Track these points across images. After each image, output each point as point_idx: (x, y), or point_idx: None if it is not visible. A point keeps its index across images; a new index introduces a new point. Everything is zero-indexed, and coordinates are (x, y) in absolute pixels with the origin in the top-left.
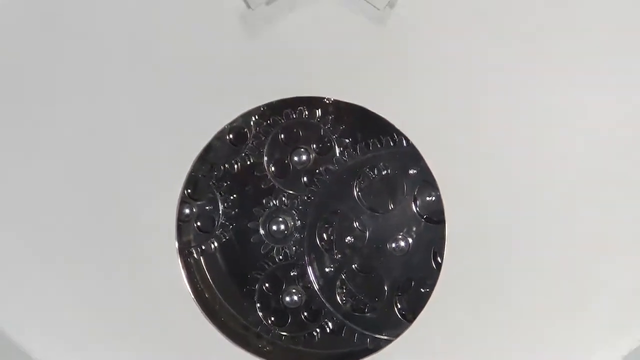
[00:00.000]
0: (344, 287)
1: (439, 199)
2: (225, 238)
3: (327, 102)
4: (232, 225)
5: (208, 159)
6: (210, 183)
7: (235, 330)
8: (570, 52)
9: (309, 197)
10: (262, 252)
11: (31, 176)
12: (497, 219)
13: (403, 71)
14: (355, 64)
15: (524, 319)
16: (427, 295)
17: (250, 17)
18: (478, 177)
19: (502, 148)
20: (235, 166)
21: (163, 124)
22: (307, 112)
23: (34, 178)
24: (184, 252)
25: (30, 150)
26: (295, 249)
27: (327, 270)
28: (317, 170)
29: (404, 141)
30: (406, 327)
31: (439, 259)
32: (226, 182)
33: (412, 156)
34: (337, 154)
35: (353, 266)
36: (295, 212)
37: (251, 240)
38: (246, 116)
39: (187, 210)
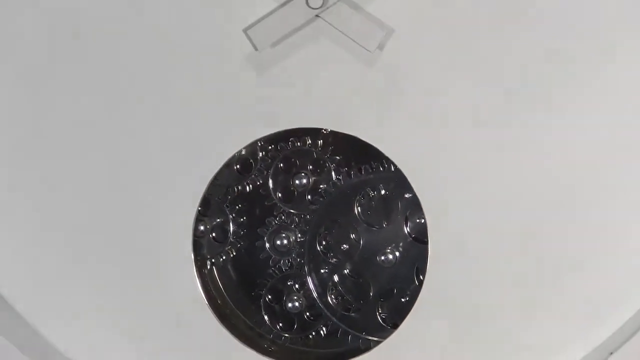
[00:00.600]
0: (335, 288)
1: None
2: (233, 254)
3: (325, 132)
4: (240, 243)
5: (220, 182)
6: (224, 206)
7: (243, 331)
8: (549, 91)
9: (309, 215)
10: (268, 263)
11: (68, 195)
12: (477, 243)
13: (391, 105)
14: (348, 98)
15: (498, 338)
16: (406, 305)
17: (257, 57)
18: (461, 202)
19: (483, 176)
20: (245, 189)
21: (181, 150)
22: (309, 141)
23: (71, 196)
24: (199, 264)
25: (67, 169)
26: (297, 260)
27: (322, 271)
28: (318, 189)
29: (392, 167)
30: (389, 332)
31: (421, 276)
32: (237, 205)
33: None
34: (334, 178)
35: (345, 271)
36: (297, 228)
37: (258, 252)
38: (253, 145)
39: (201, 227)
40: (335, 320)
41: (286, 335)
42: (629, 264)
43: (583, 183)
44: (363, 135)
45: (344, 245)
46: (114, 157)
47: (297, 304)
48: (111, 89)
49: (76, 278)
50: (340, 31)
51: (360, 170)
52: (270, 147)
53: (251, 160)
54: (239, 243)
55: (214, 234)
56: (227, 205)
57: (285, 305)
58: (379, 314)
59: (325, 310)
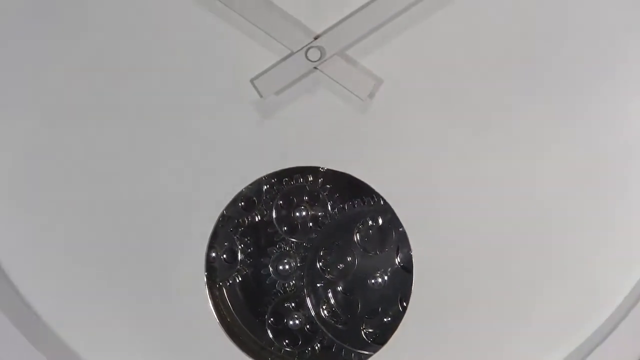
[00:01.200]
0: (328, 302)
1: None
2: (240, 278)
3: (322, 170)
4: (246, 271)
5: (229, 214)
6: (233, 236)
7: (249, 345)
8: (526, 129)
9: (308, 243)
10: (271, 286)
11: (99, 220)
12: (457, 276)
13: (380, 146)
14: (343, 140)
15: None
16: (388, 324)
17: (262, 104)
18: (446, 236)
19: (466, 211)
20: (251, 220)
21: (195, 186)
22: (310, 178)
23: (101, 222)
24: (211, 286)
25: (97, 199)
26: (298, 283)
27: (319, 285)
28: (316, 220)
29: (381, 201)
30: (374, 347)
31: (404, 303)
32: (245, 234)
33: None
34: (330, 210)
35: (339, 287)
36: (297, 254)
37: (262, 276)
38: (258, 181)
39: (213, 254)
40: (330, 335)
41: (287, 349)
42: (591, 286)
43: (551, 213)
44: (356, 173)
45: (341, 265)
46: (138, 189)
47: (297, 321)
48: (135, 130)
49: (101, 296)
50: (335, 81)
51: (353, 204)
52: (273, 181)
53: (254, 198)
54: (245, 270)
55: (224, 256)
56: (236, 236)
57: (287, 323)
58: (363, 329)
59: (322, 327)
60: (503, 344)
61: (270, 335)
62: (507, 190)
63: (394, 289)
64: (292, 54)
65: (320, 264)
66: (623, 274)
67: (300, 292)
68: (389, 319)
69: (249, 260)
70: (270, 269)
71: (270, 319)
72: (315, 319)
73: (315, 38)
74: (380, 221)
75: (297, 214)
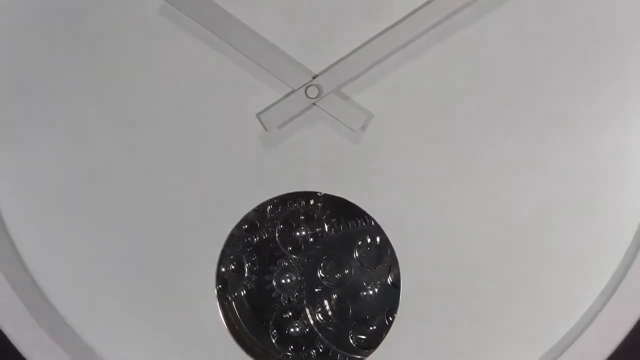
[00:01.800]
0: (323, 307)
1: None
2: (246, 292)
3: (319, 195)
4: (252, 285)
5: (236, 234)
6: (241, 253)
7: (255, 351)
8: (508, 159)
9: (307, 259)
10: (274, 297)
11: (123, 241)
12: (441, 294)
13: (372, 173)
14: (338, 168)
15: None
16: (374, 333)
17: (266, 136)
18: (431, 256)
19: (450, 236)
20: (257, 240)
21: (207, 210)
22: (311, 202)
23: (126, 242)
24: (221, 298)
25: (123, 221)
26: (298, 295)
27: (316, 290)
28: (315, 240)
29: (372, 222)
30: (362, 353)
31: (390, 317)
32: (251, 252)
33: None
34: (327, 231)
35: (334, 295)
36: (298, 269)
37: (267, 288)
38: (262, 205)
39: (223, 269)
40: (326, 341)
41: (289, 354)
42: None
43: (526, 235)
44: (350, 197)
45: (338, 274)
46: (158, 213)
47: (297, 329)
48: (154, 160)
49: (125, 305)
50: (331, 116)
51: (347, 224)
52: (276, 203)
53: (256, 222)
54: (251, 284)
55: (233, 272)
56: (243, 254)
57: (288, 330)
58: (351, 335)
59: (319, 333)
60: (479, 355)
61: (274, 341)
62: (487, 214)
63: (383, 303)
64: (293, 91)
65: (321, 271)
66: (586, 287)
67: (300, 303)
68: (375, 327)
69: (255, 275)
70: (274, 282)
71: (273, 327)
72: (313, 326)
73: (314, 77)
74: (377, 240)
75: (298, 233)
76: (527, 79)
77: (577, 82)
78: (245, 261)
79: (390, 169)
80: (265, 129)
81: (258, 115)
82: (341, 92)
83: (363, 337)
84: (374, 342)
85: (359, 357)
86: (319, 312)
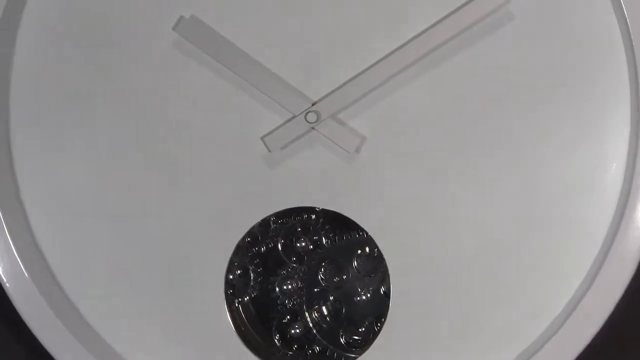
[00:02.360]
0: (319, 308)
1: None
2: (251, 297)
3: (317, 209)
4: (256, 292)
5: (243, 245)
6: (247, 264)
7: (260, 351)
8: (490, 176)
9: (307, 268)
10: (277, 302)
11: (138, 249)
12: (427, 305)
13: (365, 190)
14: (334, 185)
15: None
16: (363, 334)
17: (270, 157)
18: (420, 264)
19: (438, 249)
20: (261, 250)
21: (217, 224)
22: (312, 216)
23: (141, 250)
24: (229, 303)
25: (139, 230)
26: (298, 300)
27: (316, 290)
28: (314, 250)
29: (365, 235)
30: (353, 352)
31: (379, 323)
32: (257, 263)
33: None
34: (324, 242)
35: (331, 296)
36: (298, 277)
37: (270, 294)
38: (265, 219)
39: (230, 276)
40: (323, 341)
41: (290, 353)
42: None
43: (502, 250)
44: (345, 212)
45: (337, 278)
46: (172, 227)
47: (297, 330)
48: (169, 178)
49: (143, 311)
50: (328, 139)
51: (343, 236)
52: (278, 216)
53: (261, 234)
54: (256, 291)
55: (239, 279)
56: (250, 265)
57: (290, 332)
58: (341, 334)
59: (317, 335)
60: (462, 355)
61: (276, 341)
62: (468, 226)
63: (374, 308)
64: (294, 117)
65: (322, 273)
66: (555, 295)
67: (300, 306)
68: (364, 329)
69: (259, 281)
70: (276, 288)
71: (275, 329)
72: (312, 327)
73: (313, 104)
74: (375, 251)
75: (298, 244)
76: (504, 106)
77: (547, 109)
78: (250, 269)
79: (381, 187)
80: (269, 151)
81: (262, 138)
82: (337, 117)
83: (353, 337)
84: (362, 343)
85: (353, 356)
86: (316, 313)
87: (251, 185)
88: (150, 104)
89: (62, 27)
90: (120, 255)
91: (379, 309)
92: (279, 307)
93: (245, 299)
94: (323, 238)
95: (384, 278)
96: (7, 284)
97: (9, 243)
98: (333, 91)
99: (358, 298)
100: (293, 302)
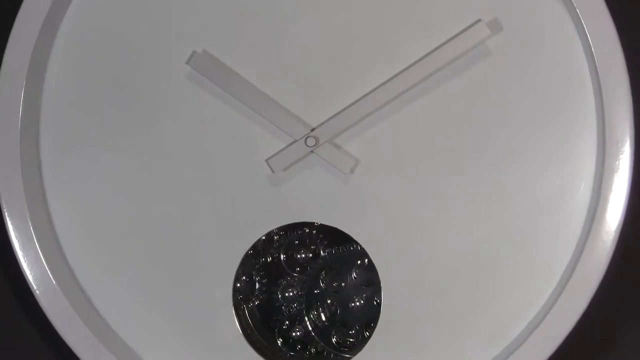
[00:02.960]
0: (317, 310)
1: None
2: (256, 303)
3: (316, 224)
4: (261, 298)
5: (249, 256)
6: (253, 273)
7: (265, 352)
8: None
9: (306, 277)
10: (280, 307)
11: (155, 262)
12: (416, 315)
13: (358, 207)
14: (331, 202)
15: None
16: (351, 335)
17: (273, 177)
18: (409, 275)
19: (423, 257)
20: (265, 261)
21: (223, 236)
22: (310, 230)
23: (157, 263)
24: (236, 308)
25: (158, 242)
26: (299, 306)
27: (316, 292)
28: (314, 261)
29: (359, 247)
30: (343, 352)
31: (369, 329)
32: (262, 273)
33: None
34: (322, 253)
35: (328, 300)
36: (299, 285)
37: (273, 300)
38: (269, 233)
39: (238, 284)
40: (323, 344)
41: (291, 353)
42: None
43: (478, 264)
44: (340, 226)
45: (335, 283)
46: (186, 239)
47: (298, 333)
48: (182, 196)
49: (159, 316)
50: (326, 161)
51: (339, 249)
52: (281, 230)
53: (265, 246)
54: (261, 297)
55: (246, 287)
56: (256, 274)
57: (291, 335)
58: (333, 334)
59: (316, 337)
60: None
61: (279, 343)
62: (450, 241)
63: (366, 315)
64: (295, 141)
65: (323, 276)
66: (530, 301)
67: (300, 312)
68: (353, 332)
69: (264, 289)
70: (279, 295)
71: (278, 331)
72: (311, 330)
73: (312, 130)
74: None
75: (298, 256)
76: (484, 131)
77: (524, 135)
78: (256, 278)
79: (373, 204)
80: (273, 171)
81: (267, 160)
82: (334, 142)
83: (343, 338)
84: (351, 345)
85: (347, 356)
86: (314, 314)
87: (257, 202)
88: (167, 130)
89: (88, 61)
90: (139, 265)
91: (370, 316)
92: (281, 312)
93: (251, 304)
94: (321, 250)
95: (379, 289)
96: (36, 291)
97: (39, 254)
98: (330, 118)
99: (352, 304)
100: (294, 307)
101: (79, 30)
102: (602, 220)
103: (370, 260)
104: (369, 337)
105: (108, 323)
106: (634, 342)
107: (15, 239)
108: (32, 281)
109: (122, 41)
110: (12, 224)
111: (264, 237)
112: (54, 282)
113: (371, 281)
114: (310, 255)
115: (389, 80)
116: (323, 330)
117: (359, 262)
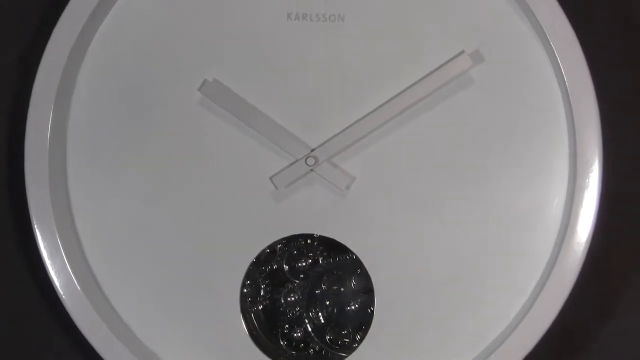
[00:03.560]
0: (316, 310)
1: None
2: (261, 306)
3: (315, 235)
4: (266, 302)
5: (255, 265)
6: (259, 280)
7: (269, 352)
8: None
9: (307, 283)
10: (283, 311)
11: (169, 265)
12: (407, 322)
13: (354, 221)
14: (329, 217)
15: None
16: (345, 335)
17: (276, 193)
18: (400, 283)
19: (414, 266)
20: (270, 269)
21: (231, 248)
22: (312, 242)
23: (171, 267)
24: (243, 312)
25: (172, 249)
26: (300, 310)
27: (317, 292)
28: (313, 269)
29: (354, 256)
30: (337, 350)
31: (359, 335)
32: (266, 280)
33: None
34: (320, 262)
35: (327, 302)
36: (299, 290)
37: (276, 304)
38: (272, 243)
39: (245, 290)
40: (321, 344)
41: (293, 352)
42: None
43: (463, 273)
44: (338, 238)
45: (335, 287)
46: (198, 251)
47: (299, 333)
48: (194, 212)
49: (171, 318)
50: (324, 178)
51: (336, 258)
52: (283, 241)
53: (269, 256)
54: (265, 302)
55: (252, 292)
56: (262, 281)
57: (293, 335)
58: (327, 333)
59: (316, 338)
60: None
61: (282, 344)
62: (438, 252)
63: (359, 319)
64: (296, 160)
65: (324, 279)
66: (510, 305)
67: (300, 315)
68: (345, 332)
69: (268, 294)
70: (282, 300)
71: (282, 333)
72: (311, 332)
73: (312, 150)
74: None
75: (300, 264)
76: (468, 152)
77: (503, 155)
78: (261, 285)
79: (368, 217)
80: (276, 188)
81: (271, 178)
82: (332, 161)
83: (336, 338)
84: (343, 344)
85: (344, 354)
86: (313, 314)
87: (262, 216)
88: (181, 150)
89: (111, 86)
90: (156, 272)
91: (363, 320)
92: (284, 315)
93: (256, 308)
94: (319, 259)
95: (374, 298)
96: (63, 296)
97: (65, 262)
98: (328, 140)
99: (348, 307)
100: (296, 311)
101: (103, 59)
102: (573, 233)
103: (365, 269)
104: (361, 339)
105: (128, 325)
106: (601, 346)
107: (44, 249)
108: (58, 287)
109: (142, 70)
110: (40, 234)
111: (267, 248)
112: (78, 287)
113: (368, 289)
114: (310, 262)
115: (381, 106)
116: (320, 329)
117: (359, 270)
